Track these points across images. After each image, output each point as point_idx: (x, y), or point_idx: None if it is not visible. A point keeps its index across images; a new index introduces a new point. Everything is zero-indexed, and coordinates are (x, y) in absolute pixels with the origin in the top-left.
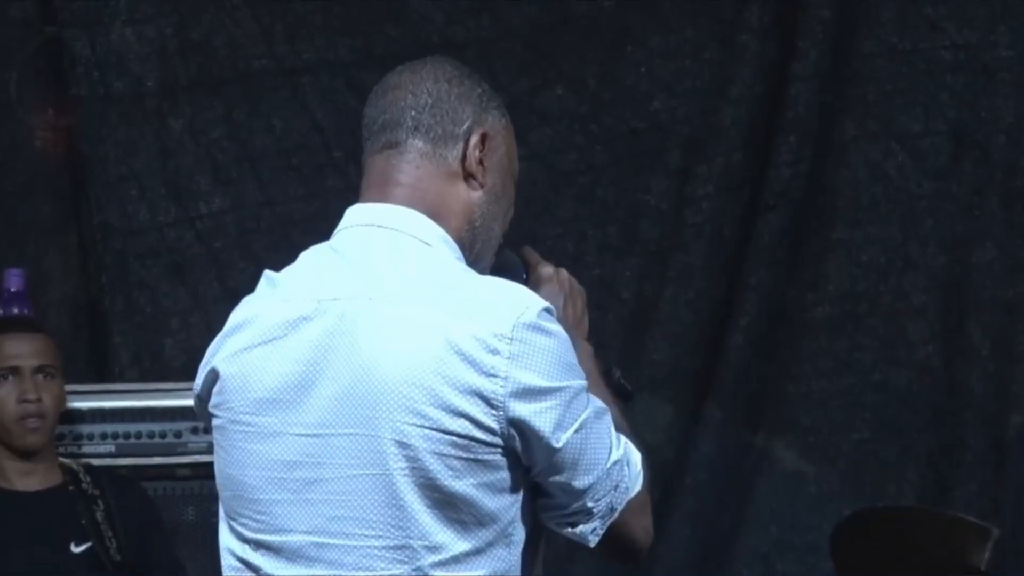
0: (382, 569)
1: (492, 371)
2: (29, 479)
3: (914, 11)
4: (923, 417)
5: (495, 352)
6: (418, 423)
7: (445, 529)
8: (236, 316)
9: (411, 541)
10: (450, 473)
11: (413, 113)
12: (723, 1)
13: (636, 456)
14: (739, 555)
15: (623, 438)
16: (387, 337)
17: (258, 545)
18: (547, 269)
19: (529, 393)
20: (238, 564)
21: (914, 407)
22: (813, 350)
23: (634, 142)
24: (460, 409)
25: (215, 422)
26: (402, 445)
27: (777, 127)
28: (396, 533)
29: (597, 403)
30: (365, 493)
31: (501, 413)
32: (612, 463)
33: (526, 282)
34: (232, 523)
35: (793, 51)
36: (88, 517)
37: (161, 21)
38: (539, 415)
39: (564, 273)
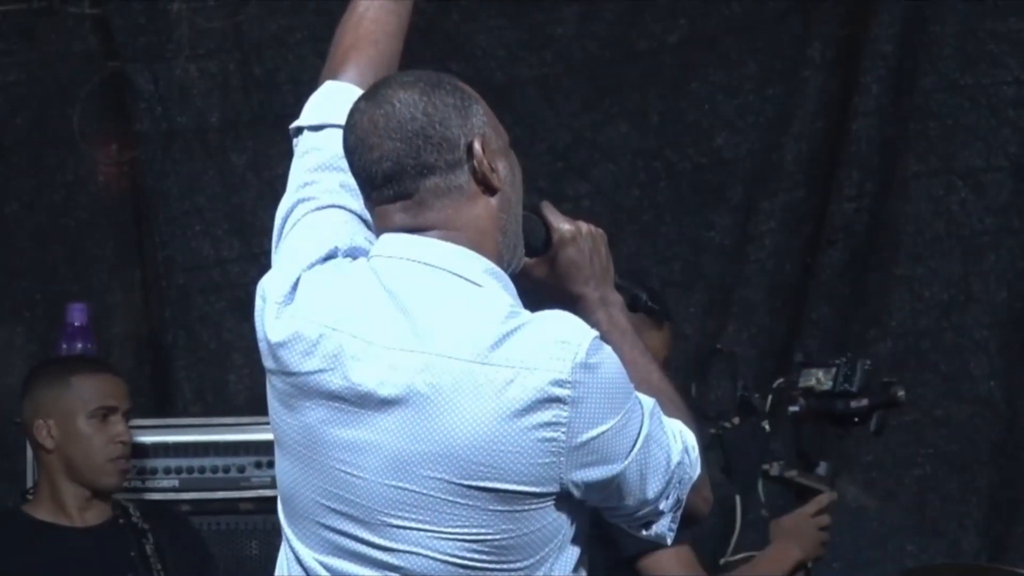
0: None
1: (555, 420)
2: (87, 514)
3: (976, 47)
4: (985, 452)
5: (556, 400)
6: (471, 483)
7: None
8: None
9: None
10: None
11: (412, 161)
12: (785, 37)
13: (691, 439)
14: None
15: (676, 427)
16: (444, 398)
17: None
18: (567, 227)
19: (589, 443)
20: None
21: (976, 442)
22: None
23: (697, 178)
24: (518, 470)
25: None
26: (453, 504)
27: (839, 162)
28: None
29: (648, 403)
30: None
31: (563, 467)
32: (676, 464)
33: (548, 243)
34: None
35: (855, 87)
36: (138, 551)
37: (223, 56)
38: (600, 463)
39: (583, 226)
